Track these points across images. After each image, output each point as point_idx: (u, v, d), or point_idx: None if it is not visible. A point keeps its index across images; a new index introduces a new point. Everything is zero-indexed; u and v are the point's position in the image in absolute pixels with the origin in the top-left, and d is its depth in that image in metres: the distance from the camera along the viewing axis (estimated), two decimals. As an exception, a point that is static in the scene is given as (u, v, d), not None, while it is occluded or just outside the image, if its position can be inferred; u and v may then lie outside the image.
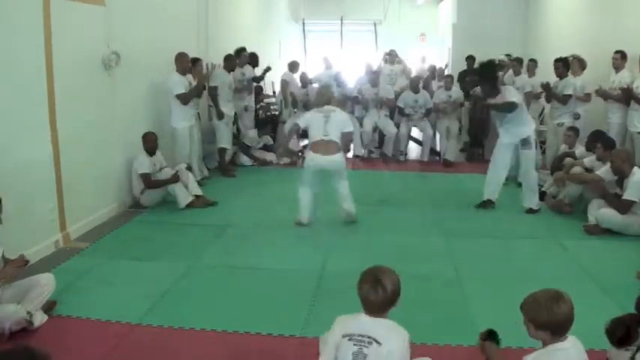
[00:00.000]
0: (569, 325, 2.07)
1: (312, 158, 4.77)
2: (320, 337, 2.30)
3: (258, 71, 7.96)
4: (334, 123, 4.75)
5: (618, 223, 4.60)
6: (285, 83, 8.42)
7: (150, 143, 5.29)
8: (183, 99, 5.84)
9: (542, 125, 7.49)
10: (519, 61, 7.83)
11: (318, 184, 4.93)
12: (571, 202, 5.29)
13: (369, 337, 2.06)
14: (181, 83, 5.86)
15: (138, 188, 5.29)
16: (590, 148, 5.49)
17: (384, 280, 2.08)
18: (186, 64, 5.96)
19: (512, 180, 6.48)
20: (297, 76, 8.49)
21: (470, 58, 8.88)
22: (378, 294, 2.07)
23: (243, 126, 7.65)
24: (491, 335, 2.42)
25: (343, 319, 2.18)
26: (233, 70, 6.87)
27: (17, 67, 3.80)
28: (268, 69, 7.96)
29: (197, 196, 5.40)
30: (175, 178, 5.27)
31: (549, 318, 2.04)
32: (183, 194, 5.26)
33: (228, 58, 6.80)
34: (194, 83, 6.07)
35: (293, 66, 8.59)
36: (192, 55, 6.14)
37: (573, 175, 5.24)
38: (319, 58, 9.57)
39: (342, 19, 13.75)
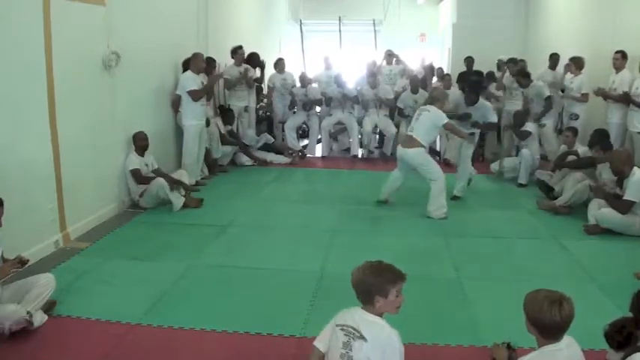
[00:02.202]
0: (558, 331, 2.06)
1: (398, 148, 5.39)
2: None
3: (258, 71, 7.95)
4: (422, 121, 5.16)
5: (618, 223, 4.60)
6: (270, 90, 8.40)
7: (140, 142, 5.28)
8: (194, 95, 5.87)
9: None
10: (515, 61, 7.84)
11: (407, 174, 5.42)
12: (573, 205, 5.25)
13: (357, 332, 2.11)
14: (194, 80, 5.90)
15: (136, 192, 5.29)
16: (593, 147, 5.50)
17: (364, 266, 2.20)
18: (201, 63, 5.99)
19: (512, 181, 6.51)
20: (285, 75, 8.37)
21: (468, 59, 8.88)
22: (353, 278, 2.19)
23: (242, 127, 7.64)
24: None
25: (341, 312, 2.25)
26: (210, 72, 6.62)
27: (17, 68, 3.79)
28: (263, 66, 7.96)
29: (186, 195, 5.39)
30: (159, 173, 5.32)
31: (538, 316, 2.04)
32: (176, 197, 5.26)
33: (208, 61, 6.56)
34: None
35: (277, 64, 8.43)
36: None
37: (601, 189, 4.98)
38: (319, 58, 9.54)
39: (340, 19, 13.73)
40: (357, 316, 2.16)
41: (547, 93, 6.66)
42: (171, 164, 6.21)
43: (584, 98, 6.43)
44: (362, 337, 2.10)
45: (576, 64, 6.57)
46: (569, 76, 6.89)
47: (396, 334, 2.13)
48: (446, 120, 5.17)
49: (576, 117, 6.46)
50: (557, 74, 7.27)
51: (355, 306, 2.21)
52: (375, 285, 2.13)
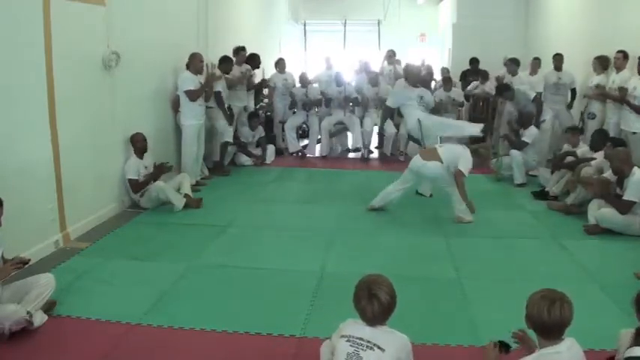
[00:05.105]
0: (557, 331, 2.05)
1: (415, 160, 5.18)
2: (323, 342, 2.34)
3: (259, 72, 7.95)
4: (451, 150, 5.07)
5: (618, 223, 4.59)
6: (271, 90, 8.41)
7: (139, 144, 5.26)
8: (191, 95, 5.88)
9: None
10: (515, 61, 7.84)
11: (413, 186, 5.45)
12: (581, 202, 5.24)
13: (369, 342, 2.09)
14: (192, 80, 5.91)
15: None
16: (594, 147, 5.48)
17: (379, 293, 2.09)
18: (199, 64, 5.99)
19: (510, 180, 6.51)
20: (286, 75, 8.38)
21: (474, 60, 8.91)
22: (374, 307, 2.08)
23: (240, 126, 7.63)
24: (502, 346, 2.37)
25: (345, 323, 2.21)
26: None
27: (17, 68, 3.79)
28: (262, 83, 8.20)
29: (186, 195, 5.38)
30: (155, 176, 5.27)
31: (537, 315, 2.04)
32: (177, 198, 5.25)
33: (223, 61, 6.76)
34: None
35: (278, 64, 8.45)
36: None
37: (585, 178, 5.09)
38: (320, 58, 9.53)
39: (345, 21, 13.76)
40: (368, 329, 2.12)
41: (532, 94, 6.78)
42: (172, 164, 6.19)
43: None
44: (377, 348, 2.07)
45: (601, 63, 6.47)
46: (592, 75, 6.71)
47: (406, 337, 2.16)
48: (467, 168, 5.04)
49: (593, 116, 6.42)
50: (562, 74, 7.21)
51: (355, 311, 2.18)
52: (393, 305, 2.14)
